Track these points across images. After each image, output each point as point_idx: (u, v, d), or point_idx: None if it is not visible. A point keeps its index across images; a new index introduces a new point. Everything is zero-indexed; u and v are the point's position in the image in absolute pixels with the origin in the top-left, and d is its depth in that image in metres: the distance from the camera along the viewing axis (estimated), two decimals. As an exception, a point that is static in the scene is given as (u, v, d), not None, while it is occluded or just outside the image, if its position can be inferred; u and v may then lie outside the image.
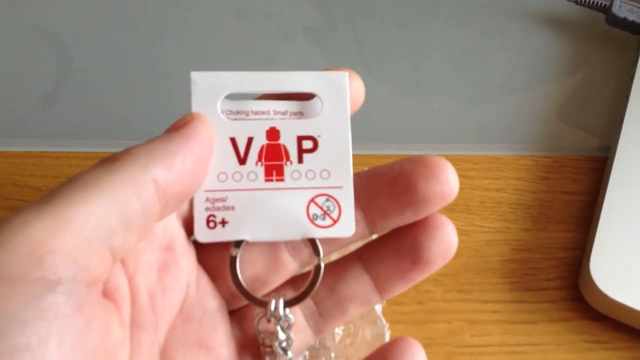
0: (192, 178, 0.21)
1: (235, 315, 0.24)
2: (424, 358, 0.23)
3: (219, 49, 0.41)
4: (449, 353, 0.32)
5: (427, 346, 0.32)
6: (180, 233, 0.22)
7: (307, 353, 0.30)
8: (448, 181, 0.22)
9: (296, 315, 0.23)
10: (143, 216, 0.19)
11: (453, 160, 0.37)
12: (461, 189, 0.37)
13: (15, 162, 0.36)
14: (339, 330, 0.30)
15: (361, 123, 0.40)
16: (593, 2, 0.40)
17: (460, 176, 0.36)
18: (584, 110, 0.39)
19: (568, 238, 0.35)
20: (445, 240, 0.23)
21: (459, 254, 0.34)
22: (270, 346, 0.23)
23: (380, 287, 0.23)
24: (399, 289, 0.24)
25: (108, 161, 0.20)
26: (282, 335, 0.23)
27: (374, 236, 0.24)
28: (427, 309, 0.33)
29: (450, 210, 0.35)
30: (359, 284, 0.23)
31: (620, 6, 0.40)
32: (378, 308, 0.31)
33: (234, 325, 0.23)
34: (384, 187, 0.23)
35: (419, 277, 0.23)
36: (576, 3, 0.41)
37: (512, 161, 0.37)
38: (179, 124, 0.21)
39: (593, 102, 0.40)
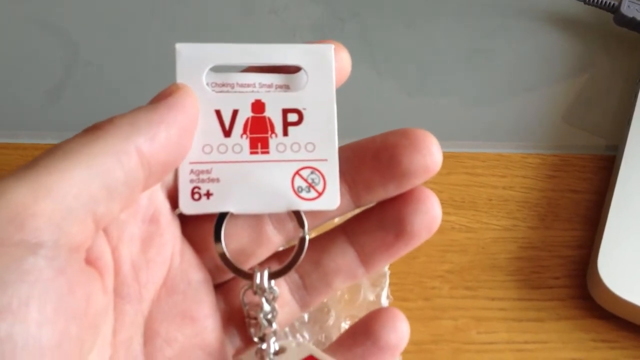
0: (176, 148, 0.21)
1: (221, 288, 0.24)
2: (407, 326, 0.23)
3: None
4: (455, 350, 0.32)
5: (433, 343, 0.32)
6: (165, 205, 0.22)
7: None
8: (431, 154, 0.22)
9: (281, 288, 0.23)
10: (126, 185, 0.19)
11: (460, 157, 0.37)
12: (468, 186, 0.37)
13: (22, 154, 0.36)
14: (345, 325, 0.30)
15: (368, 120, 0.40)
16: (601, 1, 0.40)
17: (467, 173, 0.35)
18: (592, 110, 0.39)
19: (575, 236, 0.35)
20: (429, 213, 0.23)
21: (465, 251, 0.34)
22: (255, 318, 0.23)
23: (365, 261, 0.23)
24: (384, 262, 0.23)
25: (91, 130, 0.19)
26: (267, 307, 0.23)
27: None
28: (434, 305, 0.33)
29: (458, 207, 0.35)
30: (344, 257, 0.23)
31: (629, 6, 0.40)
32: (385, 303, 0.31)
33: (219, 298, 0.23)
34: (368, 161, 0.23)
35: (404, 250, 0.23)
36: (584, 3, 0.40)
37: (520, 159, 0.37)
38: (164, 94, 0.21)
39: (601, 101, 0.40)
